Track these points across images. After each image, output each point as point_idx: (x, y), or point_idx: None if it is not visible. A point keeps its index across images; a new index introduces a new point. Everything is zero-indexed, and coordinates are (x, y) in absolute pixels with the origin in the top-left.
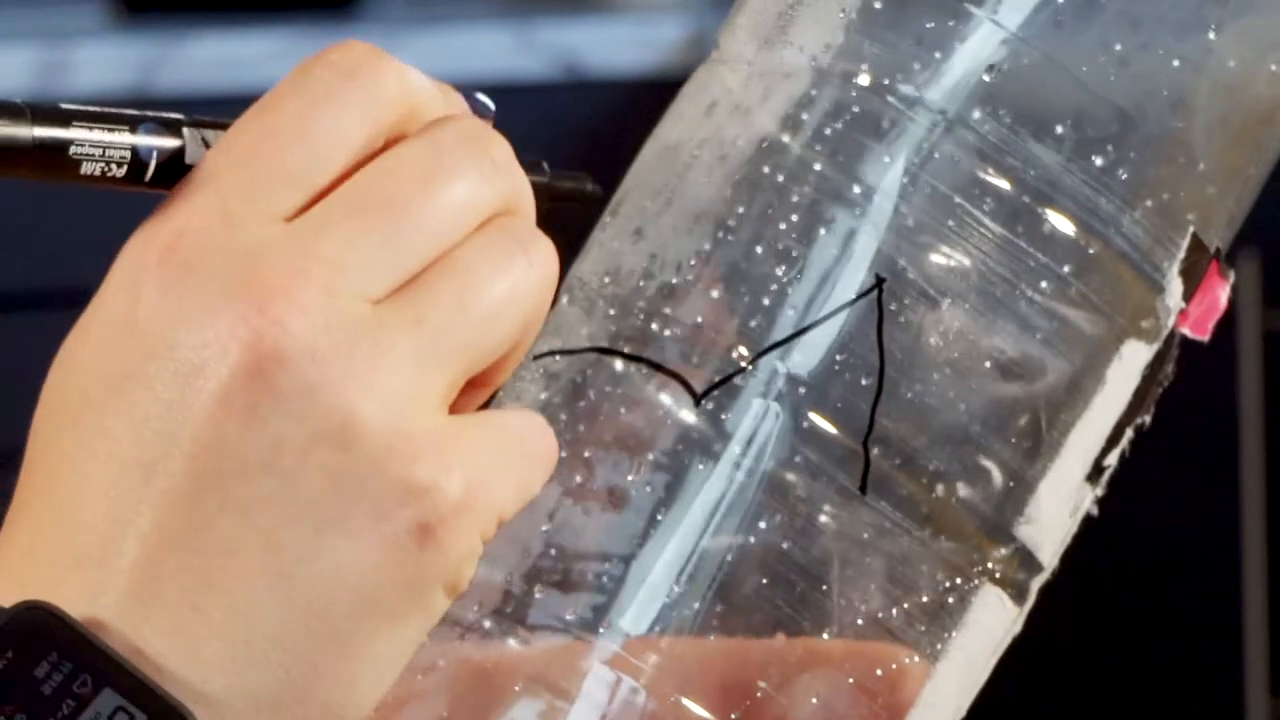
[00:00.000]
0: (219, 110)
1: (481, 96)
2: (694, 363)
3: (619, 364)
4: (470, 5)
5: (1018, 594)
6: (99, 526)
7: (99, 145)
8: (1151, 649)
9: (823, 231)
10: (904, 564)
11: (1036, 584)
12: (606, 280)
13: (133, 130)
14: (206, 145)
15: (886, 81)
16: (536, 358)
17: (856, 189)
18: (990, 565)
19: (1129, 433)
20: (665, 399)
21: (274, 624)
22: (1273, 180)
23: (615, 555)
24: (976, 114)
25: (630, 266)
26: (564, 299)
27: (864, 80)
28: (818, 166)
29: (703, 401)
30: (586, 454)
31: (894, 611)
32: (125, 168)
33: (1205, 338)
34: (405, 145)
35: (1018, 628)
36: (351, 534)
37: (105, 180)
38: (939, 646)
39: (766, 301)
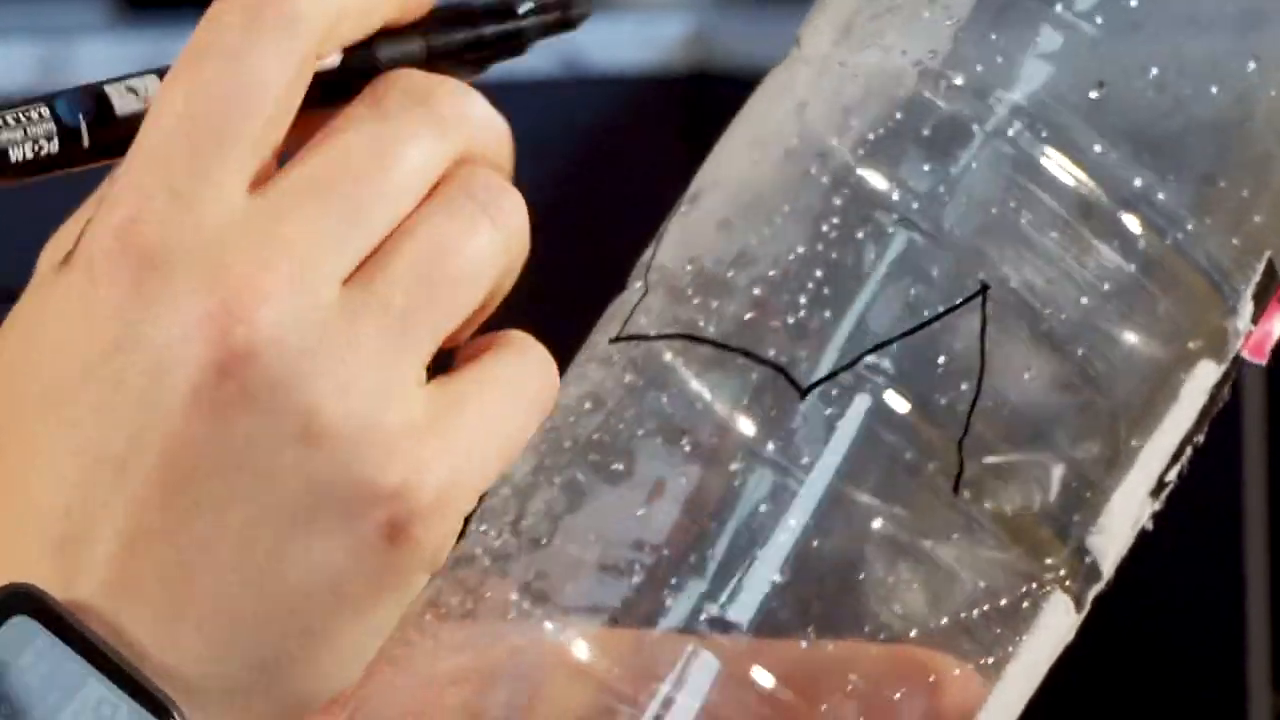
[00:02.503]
0: None
1: None
2: (785, 357)
3: (704, 351)
4: None
5: (1079, 602)
6: (73, 517)
7: (17, 121)
8: (1153, 643)
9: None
10: (984, 567)
11: (1093, 594)
12: (689, 268)
13: (48, 103)
14: (134, 93)
15: (986, 87)
16: (613, 341)
17: (945, 193)
18: (1062, 573)
19: (1188, 451)
20: (748, 390)
21: (249, 618)
22: None
23: (700, 547)
24: (1072, 125)
25: (718, 256)
26: (636, 284)
27: (961, 82)
28: (912, 172)
29: (803, 395)
30: (665, 441)
31: (974, 613)
32: (56, 139)
33: (1263, 361)
34: (353, 112)
35: (1071, 637)
36: (323, 532)
37: (41, 163)
38: (1010, 650)
39: (862, 300)
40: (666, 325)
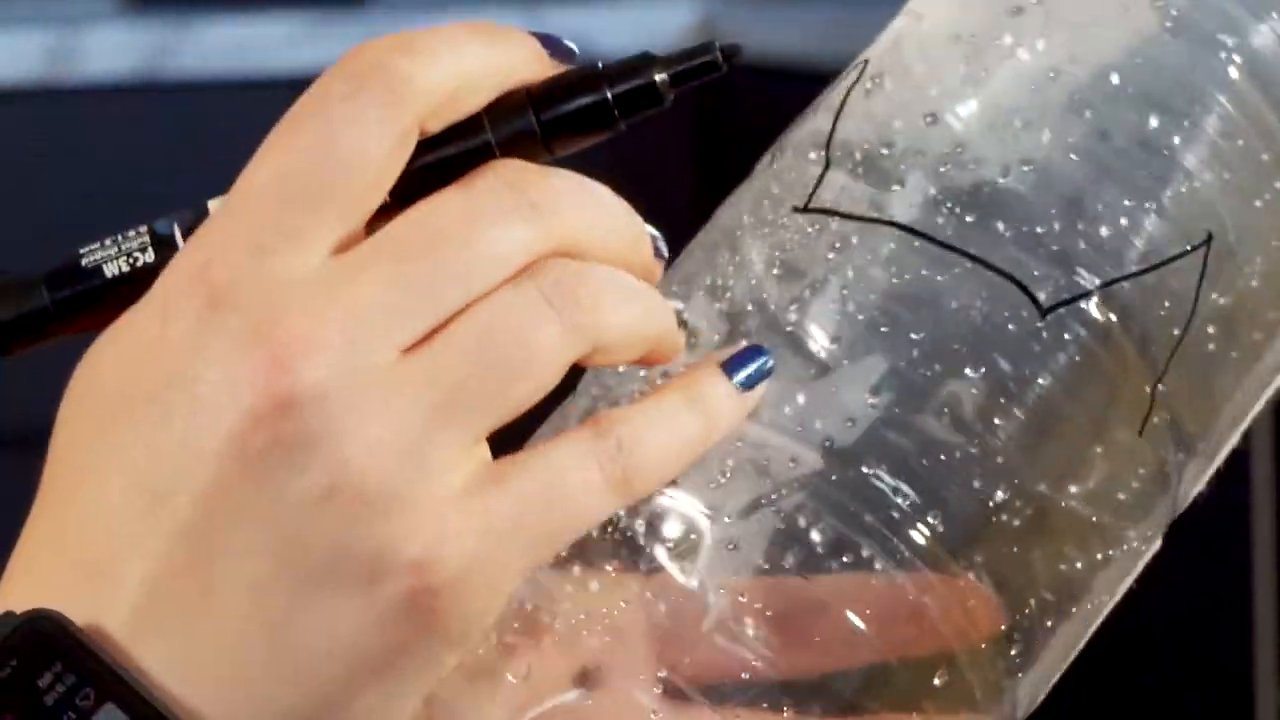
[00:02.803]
0: (230, 94)
1: (565, 41)
2: (1021, 272)
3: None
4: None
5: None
6: (111, 543)
7: (111, 246)
8: (1160, 638)
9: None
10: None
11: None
12: (885, 151)
13: (149, 225)
14: None
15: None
16: (802, 211)
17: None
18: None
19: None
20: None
21: (261, 670)
22: None
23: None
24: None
25: (937, 149)
26: (810, 154)
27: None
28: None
29: (1044, 315)
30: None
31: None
32: (151, 250)
33: None
34: (445, 191)
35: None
36: (341, 594)
37: (142, 274)
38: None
39: (1107, 229)
40: (864, 207)
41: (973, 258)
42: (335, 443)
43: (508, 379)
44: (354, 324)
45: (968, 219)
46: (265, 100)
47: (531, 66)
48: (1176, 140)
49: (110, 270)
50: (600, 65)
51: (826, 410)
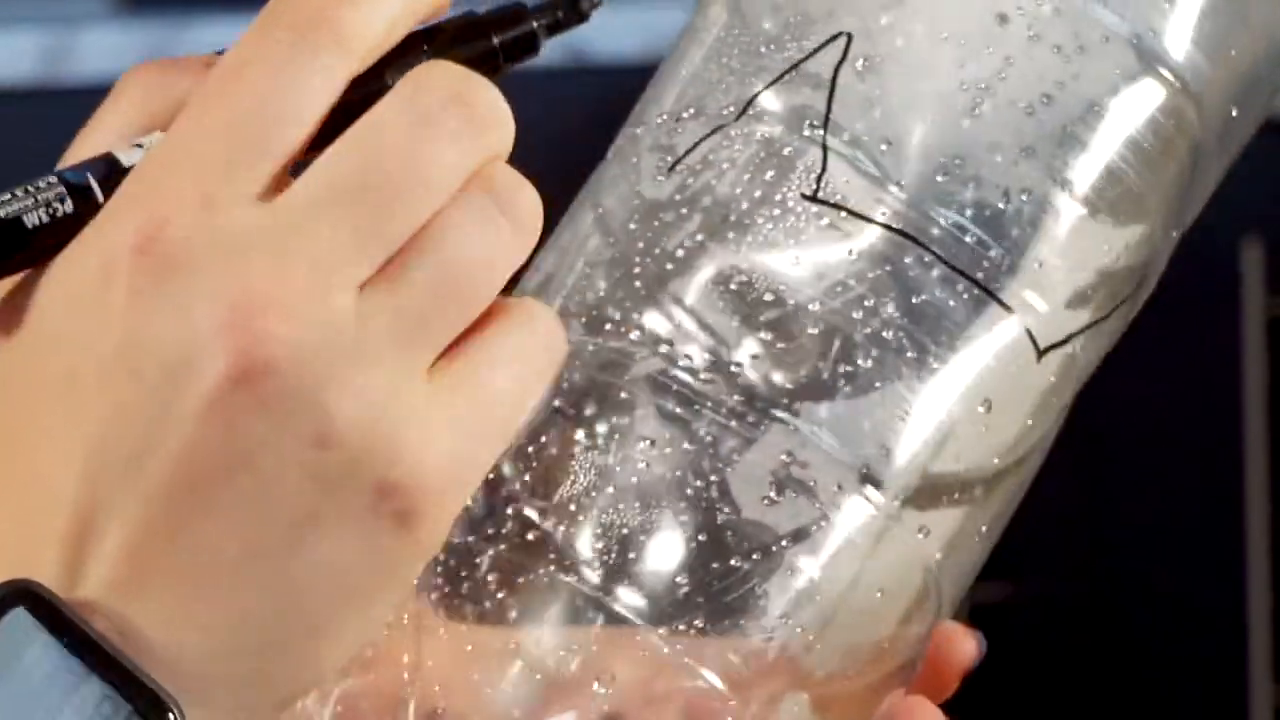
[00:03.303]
0: None
1: None
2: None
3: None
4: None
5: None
6: (80, 507)
7: (25, 193)
8: (1156, 636)
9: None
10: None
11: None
12: (884, 148)
13: (55, 174)
14: (140, 147)
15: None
16: (811, 198)
17: None
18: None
19: None
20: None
21: (254, 616)
22: (1276, 168)
23: None
24: None
25: (938, 153)
26: (805, 131)
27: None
28: None
29: (1040, 357)
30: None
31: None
32: (69, 200)
33: None
34: (385, 109)
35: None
36: (331, 531)
37: (61, 226)
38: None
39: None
40: (869, 207)
41: (978, 284)
42: (313, 395)
43: (470, 298)
44: (317, 273)
45: (967, 239)
46: None
47: (437, 9)
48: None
49: (30, 220)
50: (479, 14)
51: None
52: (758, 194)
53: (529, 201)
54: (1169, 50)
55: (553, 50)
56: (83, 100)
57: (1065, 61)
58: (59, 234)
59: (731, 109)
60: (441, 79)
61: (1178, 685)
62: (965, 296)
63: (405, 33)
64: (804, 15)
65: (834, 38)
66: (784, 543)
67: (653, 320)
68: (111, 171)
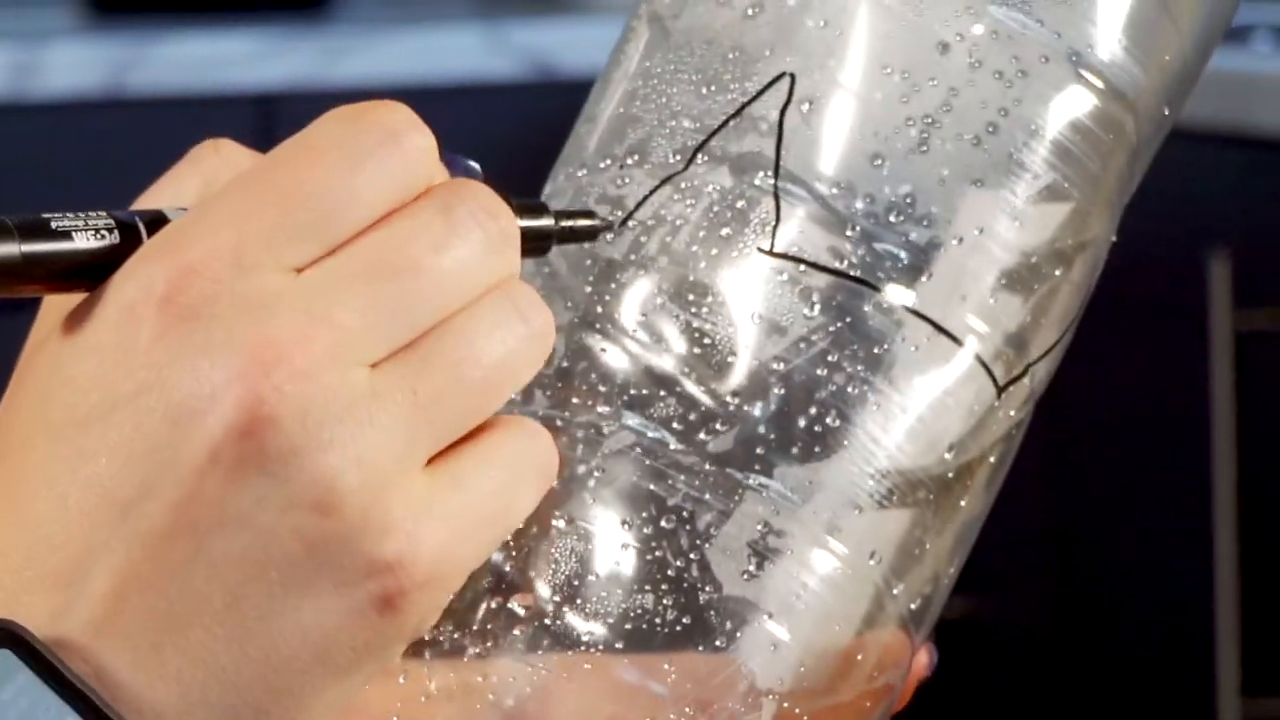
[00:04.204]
0: (193, 109)
1: (470, 162)
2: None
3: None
4: (442, 6)
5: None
6: (71, 550)
7: (77, 219)
8: (1123, 649)
9: None
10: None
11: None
12: (834, 191)
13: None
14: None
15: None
16: (769, 253)
17: None
18: None
19: None
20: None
21: (229, 673)
22: (1243, 182)
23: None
24: None
25: (884, 195)
26: (755, 178)
27: None
28: None
29: (1000, 393)
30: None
31: None
32: (116, 233)
33: None
34: (419, 209)
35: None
36: (315, 597)
37: (103, 254)
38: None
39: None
40: (825, 255)
41: (938, 328)
42: (317, 458)
43: (484, 393)
44: (333, 339)
45: (924, 278)
46: (229, 114)
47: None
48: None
49: (81, 241)
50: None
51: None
52: (714, 252)
53: (544, 320)
54: (1105, 64)
55: (520, 64)
56: (50, 116)
57: (1007, 86)
58: (101, 261)
59: (678, 158)
60: (476, 191)
61: (1145, 699)
62: (926, 340)
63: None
64: (742, 51)
65: (777, 79)
66: (765, 617)
67: (618, 390)
68: (157, 223)
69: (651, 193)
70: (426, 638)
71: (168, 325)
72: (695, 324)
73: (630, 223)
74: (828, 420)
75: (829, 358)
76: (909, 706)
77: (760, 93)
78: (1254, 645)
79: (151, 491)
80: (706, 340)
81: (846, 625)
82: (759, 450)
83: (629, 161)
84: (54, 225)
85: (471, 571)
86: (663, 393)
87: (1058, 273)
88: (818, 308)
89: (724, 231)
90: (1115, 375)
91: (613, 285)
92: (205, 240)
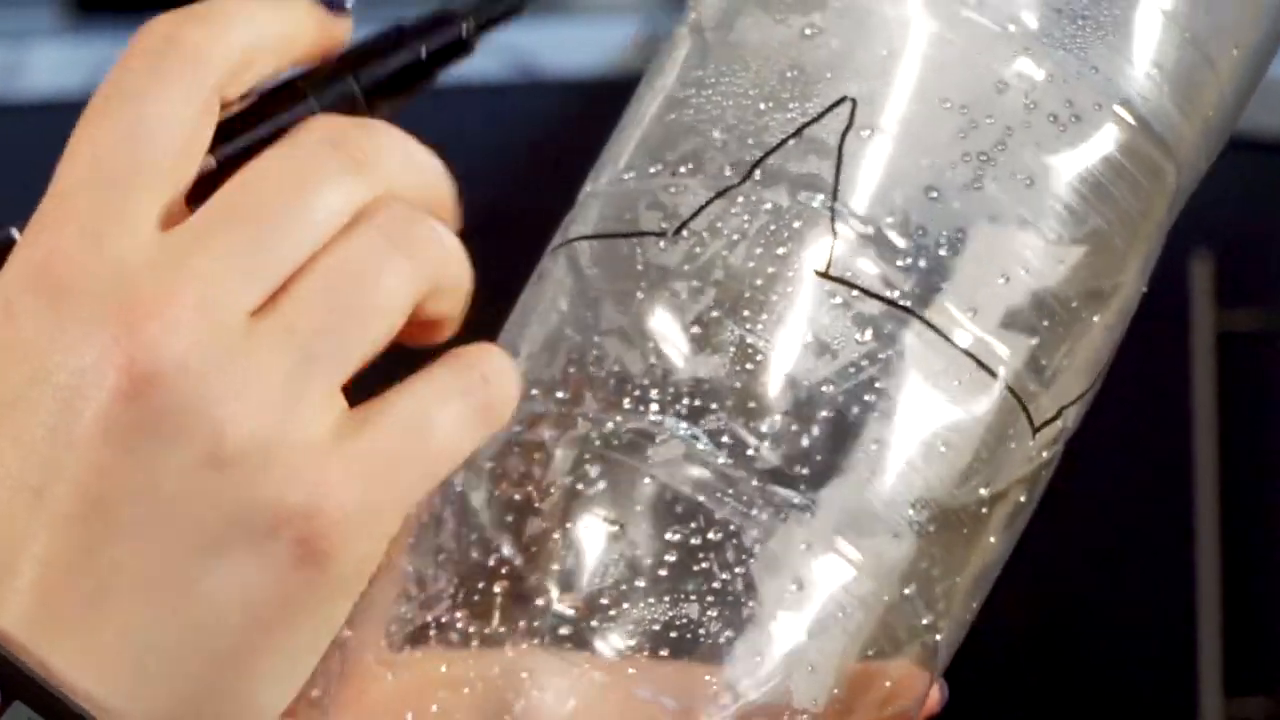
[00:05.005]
0: None
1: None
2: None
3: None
4: (424, 7)
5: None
6: None
7: None
8: (1106, 649)
9: None
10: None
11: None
12: (890, 220)
13: None
14: None
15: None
16: (824, 275)
17: None
18: None
19: None
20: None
21: (167, 644)
22: (1225, 182)
23: None
24: None
25: (938, 229)
26: (814, 200)
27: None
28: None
29: (1035, 433)
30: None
31: None
32: None
33: None
34: (268, 154)
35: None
36: (231, 555)
37: None
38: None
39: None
40: (876, 284)
41: (977, 361)
42: (204, 409)
43: (363, 322)
44: (202, 292)
45: (967, 314)
46: None
47: (312, 24)
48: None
49: None
50: (404, 25)
51: None
52: (770, 270)
53: (427, 236)
54: (1152, 111)
55: (502, 65)
56: (33, 115)
57: (1061, 130)
58: None
59: (732, 172)
60: (320, 125)
61: (1128, 700)
62: (969, 375)
63: (278, 44)
64: (801, 71)
65: (838, 103)
66: (805, 637)
67: (670, 399)
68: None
69: (707, 204)
70: (456, 630)
71: (39, 313)
72: (749, 340)
73: (684, 232)
74: (871, 446)
75: (876, 384)
76: None
77: (821, 115)
78: (1236, 645)
79: (56, 473)
80: (759, 357)
81: (876, 651)
82: (803, 470)
83: (682, 170)
84: None
85: (396, 521)
86: (714, 405)
87: (1095, 317)
88: (869, 333)
89: (780, 250)
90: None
91: (667, 294)
92: (51, 222)
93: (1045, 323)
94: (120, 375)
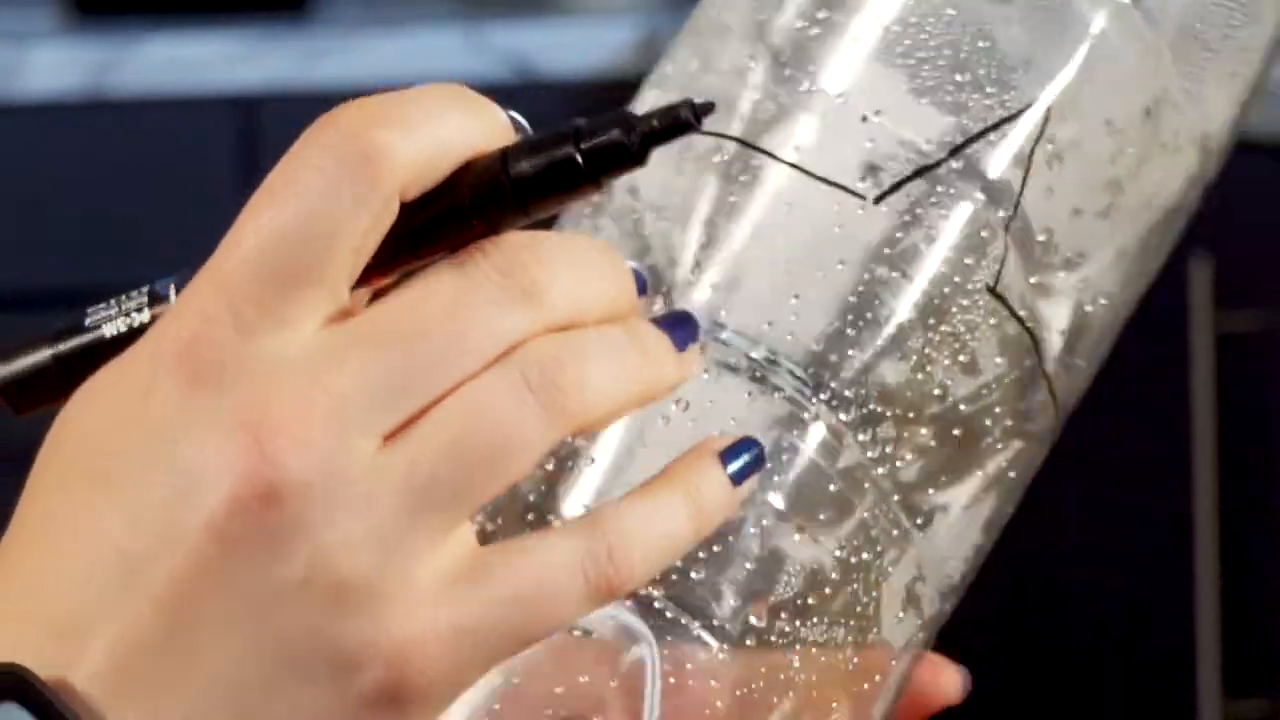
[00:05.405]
0: (174, 110)
1: (515, 115)
2: None
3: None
4: (422, 7)
5: None
6: (80, 604)
7: (113, 306)
8: (1105, 651)
9: None
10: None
11: None
12: (1041, 239)
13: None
14: None
15: None
16: (992, 291)
17: None
18: None
19: None
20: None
21: None
22: (1223, 185)
23: None
24: None
25: (1103, 257)
26: (997, 214)
27: None
28: None
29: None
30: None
31: None
32: (146, 310)
33: None
34: (436, 272)
35: None
36: (311, 682)
37: (138, 334)
38: None
39: None
40: (1014, 298)
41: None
42: (316, 533)
43: (488, 469)
44: (338, 412)
45: (1065, 342)
46: (209, 116)
47: (502, 135)
48: None
49: (109, 330)
50: (577, 124)
51: None
52: (957, 279)
53: (569, 382)
54: (1216, 139)
55: (500, 66)
56: (31, 117)
57: (1169, 158)
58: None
59: (933, 146)
60: (496, 249)
61: (1127, 700)
62: (1051, 403)
63: (464, 150)
64: (994, 45)
65: (1027, 106)
66: (892, 662)
67: (859, 403)
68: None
69: (910, 178)
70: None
71: (178, 391)
72: (928, 350)
73: (882, 206)
74: (987, 469)
75: (996, 409)
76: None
77: (1017, 115)
78: (1235, 646)
79: (156, 555)
80: (929, 368)
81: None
82: (931, 491)
83: (872, 117)
84: (87, 322)
85: (480, 676)
86: (888, 413)
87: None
88: (1006, 356)
89: (968, 260)
90: (1096, 376)
91: (868, 277)
92: (204, 303)
93: (1104, 346)
94: (240, 483)
